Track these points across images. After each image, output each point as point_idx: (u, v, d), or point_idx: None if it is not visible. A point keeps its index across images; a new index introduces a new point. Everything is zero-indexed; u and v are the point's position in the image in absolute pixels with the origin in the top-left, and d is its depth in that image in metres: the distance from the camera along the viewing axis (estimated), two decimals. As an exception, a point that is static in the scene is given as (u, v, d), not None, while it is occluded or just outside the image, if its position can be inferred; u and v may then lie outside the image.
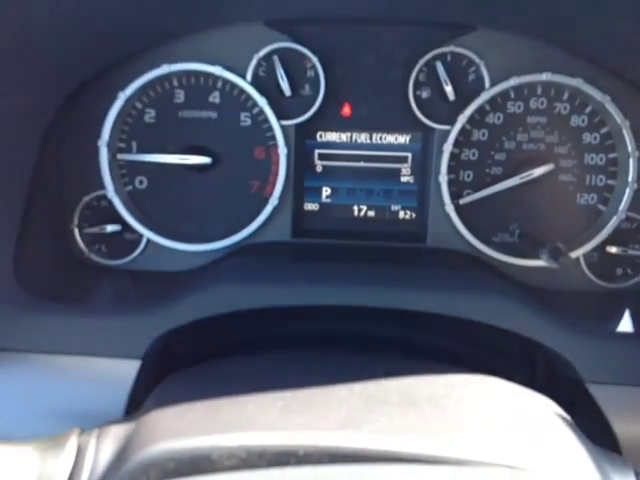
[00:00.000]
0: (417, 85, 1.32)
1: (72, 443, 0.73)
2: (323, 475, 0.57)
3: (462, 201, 1.33)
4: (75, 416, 1.00)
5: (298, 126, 1.35)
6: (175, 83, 1.34)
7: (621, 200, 1.29)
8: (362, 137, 1.38)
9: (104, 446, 0.74)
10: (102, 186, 1.35)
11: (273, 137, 1.34)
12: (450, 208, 1.32)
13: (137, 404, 1.04)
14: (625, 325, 1.30)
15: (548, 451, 0.71)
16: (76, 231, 1.39)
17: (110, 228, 1.37)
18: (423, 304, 1.12)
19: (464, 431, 0.70)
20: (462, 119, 1.29)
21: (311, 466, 0.63)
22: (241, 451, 0.65)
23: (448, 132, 1.31)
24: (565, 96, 1.31)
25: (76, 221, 1.38)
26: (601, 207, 1.34)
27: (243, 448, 0.65)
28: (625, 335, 1.18)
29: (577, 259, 1.34)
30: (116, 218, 1.37)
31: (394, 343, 1.30)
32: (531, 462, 0.66)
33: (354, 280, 1.17)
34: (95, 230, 1.38)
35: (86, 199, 1.38)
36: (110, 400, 1.03)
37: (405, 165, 1.38)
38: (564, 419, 0.82)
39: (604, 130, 1.31)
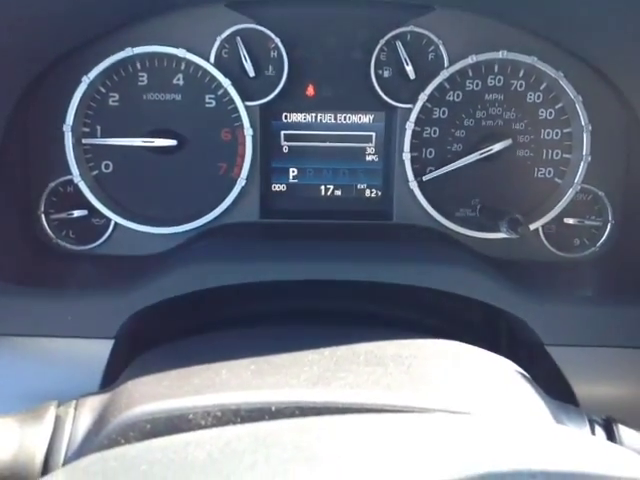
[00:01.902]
0: (378, 65, 1.35)
1: (51, 414, 0.75)
2: (295, 427, 0.60)
3: (425, 178, 1.37)
4: (51, 397, 1.00)
5: (263, 107, 1.37)
6: (139, 66, 1.34)
7: (577, 173, 1.35)
8: (327, 117, 1.40)
9: (82, 415, 0.76)
10: (68, 171, 1.35)
11: (238, 118, 1.35)
12: (414, 185, 1.36)
13: (111, 382, 1.06)
14: (581, 292, 1.36)
15: (505, 400, 0.76)
16: (43, 217, 1.38)
17: (77, 213, 1.38)
18: (390, 276, 1.16)
19: (426, 384, 0.74)
20: (423, 97, 1.33)
21: (283, 420, 0.65)
22: (216, 410, 0.67)
23: (410, 110, 1.34)
24: (521, 73, 1.36)
25: (42, 207, 1.38)
26: (558, 180, 1.39)
27: (218, 407, 0.68)
28: (580, 300, 1.23)
29: (536, 230, 1.39)
30: (83, 203, 1.37)
31: (363, 316, 1.34)
32: (488, 409, 0.70)
33: (322, 256, 1.20)
34: (62, 216, 1.38)
35: (52, 185, 1.37)
36: (85, 379, 1.05)
37: (369, 144, 1.41)
38: (523, 376, 0.87)
39: (558, 105, 1.36)
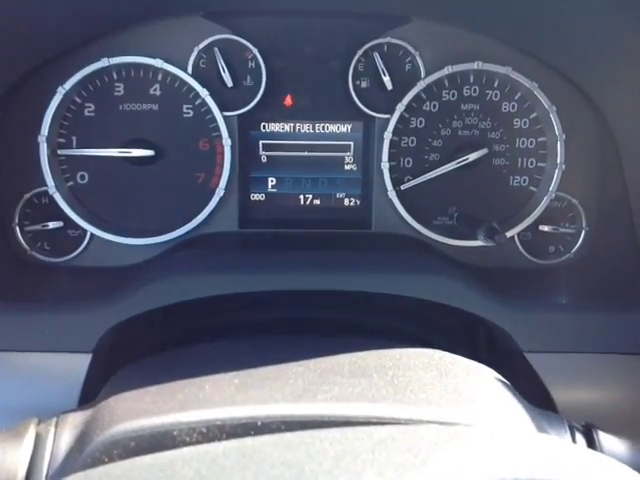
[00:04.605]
0: (356, 75, 1.36)
1: (31, 432, 0.74)
2: (282, 443, 0.60)
3: (403, 187, 1.38)
4: (28, 413, 0.99)
5: (241, 117, 1.36)
6: (115, 76, 1.33)
7: (551, 181, 1.37)
8: (305, 127, 1.40)
9: (63, 433, 0.74)
10: (43, 182, 1.33)
11: (216, 128, 1.35)
12: (392, 194, 1.37)
13: (90, 397, 1.04)
14: (557, 298, 1.39)
15: (488, 409, 0.76)
16: (17, 229, 1.36)
17: (52, 225, 1.36)
18: (369, 285, 1.16)
19: (411, 396, 0.74)
20: (400, 107, 1.34)
21: (267, 435, 0.65)
22: (201, 426, 0.67)
23: (388, 120, 1.35)
24: (496, 83, 1.38)
25: (17, 219, 1.36)
26: (533, 188, 1.41)
27: (203, 423, 0.67)
28: (558, 307, 1.25)
29: (512, 238, 1.41)
30: (58, 214, 1.35)
31: (342, 326, 1.34)
32: (473, 419, 0.71)
33: (302, 266, 1.20)
34: (37, 227, 1.36)
35: (27, 196, 1.35)
36: (63, 395, 1.03)
37: (348, 154, 1.42)
38: (503, 383, 0.88)
39: (533, 115, 1.39)
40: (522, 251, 1.43)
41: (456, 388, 0.79)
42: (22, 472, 0.70)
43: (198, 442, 0.66)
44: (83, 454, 0.68)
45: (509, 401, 0.81)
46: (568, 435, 0.80)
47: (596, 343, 1.12)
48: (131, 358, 1.02)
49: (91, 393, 1.04)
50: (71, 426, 0.75)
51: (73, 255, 1.37)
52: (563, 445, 0.70)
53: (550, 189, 1.37)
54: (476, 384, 0.83)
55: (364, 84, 1.37)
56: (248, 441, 0.62)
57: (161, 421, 0.67)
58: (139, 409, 0.71)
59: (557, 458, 0.62)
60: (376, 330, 1.33)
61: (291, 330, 1.22)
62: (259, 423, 0.67)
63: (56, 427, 0.76)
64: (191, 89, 1.33)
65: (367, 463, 0.55)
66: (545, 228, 1.42)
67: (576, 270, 1.43)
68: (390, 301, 1.22)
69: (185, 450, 0.61)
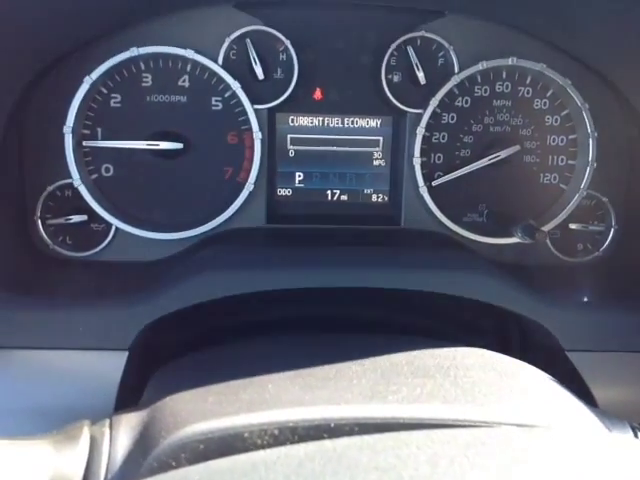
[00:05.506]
0: (389, 69, 1.33)
1: (85, 435, 0.71)
2: (365, 445, 0.58)
3: (434, 183, 1.37)
4: (65, 412, 0.96)
5: (270, 110, 1.34)
6: (142, 67, 1.30)
7: (582, 179, 1.36)
8: (334, 121, 1.38)
9: (119, 435, 0.72)
10: (67, 174, 1.29)
11: (246, 121, 1.32)
12: (424, 190, 1.35)
13: (127, 396, 1.02)
14: (584, 296, 1.38)
15: (558, 410, 0.75)
16: (39, 222, 1.32)
17: (76, 218, 1.32)
18: (405, 283, 1.15)
19: (480, 397, 0.73)
20: (433, 103, 1.32)
21: (345, 438, 0.63)
22: (273, 427, 0.65)
23: (420, 116, 1.33)
24: (528, 80, 1.36)
25: (39, 212, 1.32)
26: (563, 186, 1.40)
27: (274, 424, 0.65)
28: (599, 305, 1.25)
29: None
30: (82, 208, 1.31)
31: (372, 322, 1.32)
32: (548, 421, 0.70)
33: (333, 263, 1.18)
34: (60, 221, 1.32)
35: (50, 188, 1.32)
36: (99, 393, 1.00)
37: (377, 149, 1.40)
38: (557, 383, 0.87)
39: (564, 112, 1.37)
40: (551, 249, 1.42)
41: (520, 389, 0.78)
42: (79, 477, 0.68)
43: (269, 445, 0.64)
44: (148, 458, 0.65)
45: (572, 402, 0.79)
46: (632, 435, 0.79)
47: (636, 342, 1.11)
48: (165, 356, 0.99)
49: (128, 392, 1.02)
50: (127, 428, 0.73)
51: (97, 250, 1.34)
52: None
53: (581, 187, 1.36)
54: (535, 385, 0.82)
55: (396, 78, 1.35)
56: (328, 444, 0.60)
57: (231, 423, 0.65)
58: (204, 410, 0.69)
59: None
60: (405, 328, 1.32)
61: (324, 326, 1.20)
62: (332, 425, 0.65)
63: (111, 429, 0.73)
64: (221, 81, 1.30)
65: (465, 467, 0.53)
66: (574, 226, 1.41)
67: (604, 268, 1.42)
68: (417, 299, 1.20)
69: (262, 454, 0.59)
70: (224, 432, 0.65)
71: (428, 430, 0.61)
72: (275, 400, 0.69)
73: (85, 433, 0.72)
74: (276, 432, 0.65)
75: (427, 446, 0.57)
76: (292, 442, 0.64)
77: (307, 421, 0.65)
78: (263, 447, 0.64)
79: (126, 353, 1.04)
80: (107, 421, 0.75)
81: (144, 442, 0.69)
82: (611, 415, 0.82)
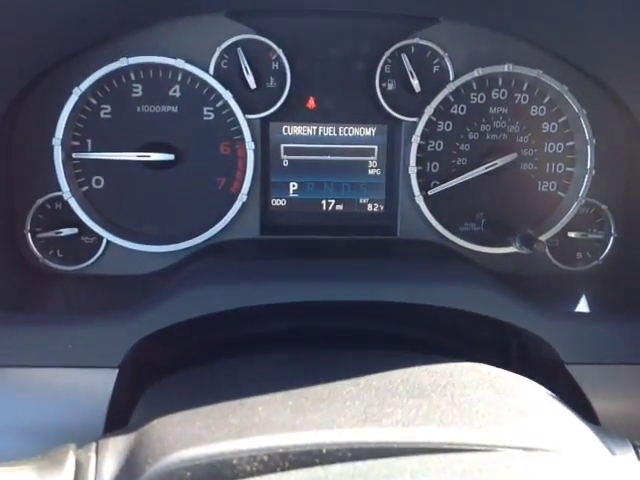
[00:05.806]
0: (383, 77, 1.31)
1: (70, 460, 0.68)
2: (358, 473, 0.56)
3: (430, 192, 1.34)
4: (54, 432, 0.93)
5: (263, 120, 1.32)
6: (133, 77, 1.28)
7: (580, 186, 1.34)
8: (328, 130, 1.36)
9: (105, 460, 0.69)
10: (57, 187, 1.27)
11: (238, 132, 1.30)
12: (420, 199, 1.33)
13: (117, 415, 0.99)
14: (584, 307, 1.35)
15: (559, 431, 0.73)
16: (29, 236, 1.30)
17: (66, 231, 1.30)
18: (401, 295, 1.12)
19: (477, 419, 0.70)
20: (429, 111, 1.30)
21: (337, 464, 0.61)
22: (262, 454, 0.62)
23: (415, 124, 1.31)
24: (525, 86, 1.34)
25: (28, 226, 1.30)
26: (561, 194, 1.38)
27: (264, 450, 0.63)
28: (599, 316, 1.22)
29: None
30: (72, 221, 1.29)
31: (367, 336, 1.30)
32: (549, 443, 0.67)
33: (329, 276, 1.15)
34: (50, 234, 1.30)
35: (39, 201, 1.29)
36: (89, 413, 0.98)
37: (372, 158, 1.38)
38: (557, 400, 0.85)
39: (562, 119, 1.35)
40: (550, 258, 1.39)
41: (519, 408, 0.76)
42: (63, 504, 0.65)
43: (259, 471, 0.62)
44: (134, 485, 0.63)
45: (572, 421, 0.77)
46: (634, 455, 0.77)
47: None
48: (156, 373, 0.97)
49: (118, 411, 1.00)
50: (113, 452, 0.70)
51: (88, 263, 1.32)
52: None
53: (580, 194, 1.34)
54: (535, 403, 0.80)
55: (390, 86, 1.33)
56: (319, 471, 0.58)
57: (219, 449, 0.63)
58: (192, 435, 0.66)
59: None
60: (401, 342, 1.29)
61: (315, 342, 1.17)
62: (324, 450, 0.63)
63: (97, 454, 0.70)
64: (212, 91, 1.28)
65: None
66: (573, 234, 1.39)
67: (604, 277, 1.40)
68: (414, 312, 1.18)
69: (252, 482, 0.57)
70: (212, 459, 0.62)
71: (423, 456, 0.59)
72: (265, 424, 0.67)
73: (70, 458, 0.69)
74: (266, 458, 0.62)
75: (422, 474, 0.55)
76: (282, 469, 0.62)
77: (298, 447, 0.63)
78: (252, 474, 0.62)
79: (116, 371, 1.01)
80: (93, 445, 0.72)
81: (130, 468, 0.66)
82: (613, 434, 0.80)
